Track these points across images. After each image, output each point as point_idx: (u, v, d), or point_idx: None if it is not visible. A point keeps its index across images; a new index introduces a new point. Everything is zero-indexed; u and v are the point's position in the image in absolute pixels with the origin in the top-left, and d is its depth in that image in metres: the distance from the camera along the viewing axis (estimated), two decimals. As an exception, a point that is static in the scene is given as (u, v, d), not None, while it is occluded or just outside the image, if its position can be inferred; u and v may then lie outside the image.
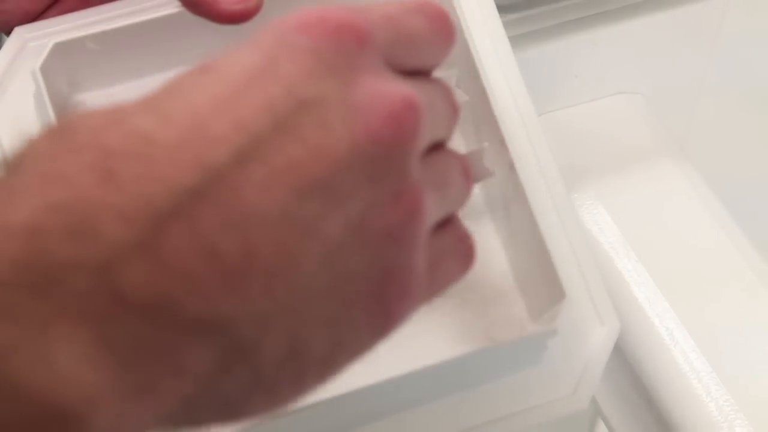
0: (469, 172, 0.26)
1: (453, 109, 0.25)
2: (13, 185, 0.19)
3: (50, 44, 0.28)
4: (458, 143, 0.32)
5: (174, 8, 0.30)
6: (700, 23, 0.47)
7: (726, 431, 0.37)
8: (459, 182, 0.25)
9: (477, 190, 0.32)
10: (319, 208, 0.20)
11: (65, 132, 0.20)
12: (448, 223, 0.25)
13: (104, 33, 0.29)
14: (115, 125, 0.20)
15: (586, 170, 0.31)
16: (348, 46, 0.22)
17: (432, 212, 0.23)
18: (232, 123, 0.20)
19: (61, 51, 0.29)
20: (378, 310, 0.22)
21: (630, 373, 0.39)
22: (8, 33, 0.30)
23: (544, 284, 0.29)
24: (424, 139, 0.23)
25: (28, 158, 0.20)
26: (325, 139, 0.21)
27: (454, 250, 0.25)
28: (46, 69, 0.28)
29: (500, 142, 0.30)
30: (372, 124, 0.21)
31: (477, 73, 0.30)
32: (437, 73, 0.26)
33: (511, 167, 0.29)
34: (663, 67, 0.48)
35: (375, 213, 0.21)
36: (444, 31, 0.25)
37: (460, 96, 0.31)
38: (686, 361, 0.39)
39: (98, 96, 0.31)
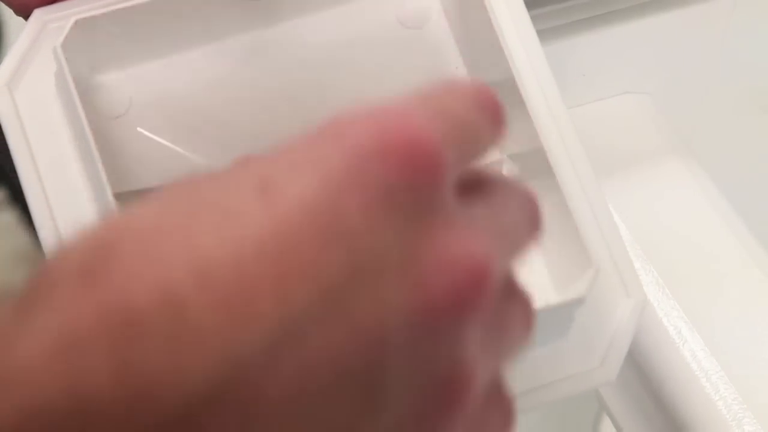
0: (531, 318, 0.21)
1: (531, 219, 0.21)
2: (24, 327, 0.17)
3: (71, 21, 0.28)
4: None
5: None
6: (707, 23, 0.47)
7: (735, 430, 0.37)
8: (518, 337, 0.21)
9: (505, 165, 0.32)
10: (354, 410, 0.17)
11: (93, 272, 0.17)
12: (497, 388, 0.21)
13: (125, 10, 0.29)
14: (147, 274, 0.17)
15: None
16: (424, 183, 0.18)
17: (482, 382, 0.20)
18: (275, 296, 0.17)
19: (83, 28, 0.29)
20: None
21: (637, 370, 0.39)
22: (27, 17, 0.30)
23: (570, 256, 0.29)
24: (491, 304, 0.19)
25: (48, 291, 0.17)
26: (376, 320, 0.17)
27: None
28: (67, 46, 0.28)
29: (528, 122, 0.30)
30: (432, 297, 0.18)
31: (506, 63, 0.30)
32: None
33: (538, 145, 0.30)
34: (670, 67, 0.49)
35: (415, 413, 0.18)
36: (500, 125, 0.21)
37: None
38: (694, 360, 0.39)
39: (119, 78, 0.31)
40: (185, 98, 0.31)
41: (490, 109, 0.21)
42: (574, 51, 0.46)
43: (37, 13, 0.30)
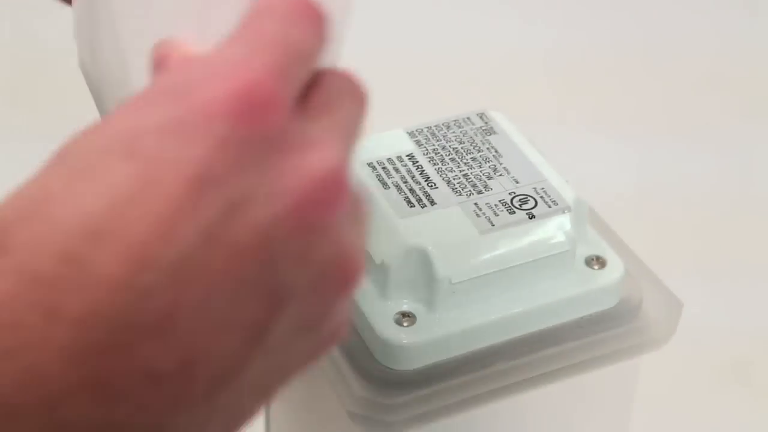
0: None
1: (360, 103, 0.25)
2: None
3: None
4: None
5: None
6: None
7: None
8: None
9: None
10: (262, 308, 0.21)
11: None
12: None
13: None
14: (46, 243, 0.20)
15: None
16: (268, 127, 0.22)
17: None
18: (163, 240, 0.20)
19: None
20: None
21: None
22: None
23: None
24: (345, 198, 0.23)
25: None
26: (257, 237, 0.21)
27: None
28: None
29: None
30: (299, 208, 0.22)
31: None
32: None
33: None
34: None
35: (314, 294, 0.23)
36: (323, 28, 0.24)
37: None
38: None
39: None
40: None
41: (309, 16, 0.24)
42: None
43: None
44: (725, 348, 0.60)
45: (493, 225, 0.34)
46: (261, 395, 0.23)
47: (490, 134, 0.37)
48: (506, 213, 0.34)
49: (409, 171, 0.36)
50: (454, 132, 0.37)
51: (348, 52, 0.28)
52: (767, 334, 0.61)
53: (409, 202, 0.35)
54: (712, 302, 0.61)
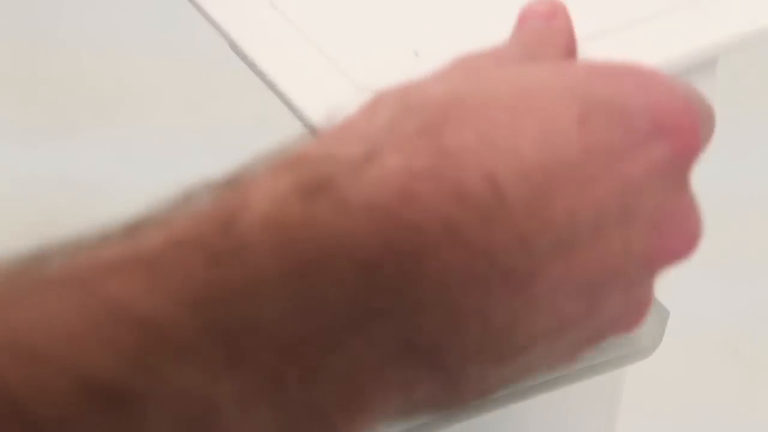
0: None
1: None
2: (374, 163, 0.21)
3: None
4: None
5: None
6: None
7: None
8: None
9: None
10: (580, 313, 0.24)
11: (429, 133, 0.22)
12: None
13: None
14: (477, 153, 0.22)
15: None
16: (689, 163, 0.25)
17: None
18: (568, 210, 0.22)
19: None
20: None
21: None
22: None
23: None
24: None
25: (387, 139, 0.22)
26: (619, 252, 0.24)
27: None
28: None
29: None
30: (665, 254, 0.25)
31: None
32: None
33: None
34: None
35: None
36: (714, 123, 0.27)
37: None
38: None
39: None
40: None
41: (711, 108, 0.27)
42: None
43: None
44: (720, 333, 0.59)
45: None
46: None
47: None
48: None
49: None
50: None
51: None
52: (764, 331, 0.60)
53: None
54: (706, 297, 0.61)
